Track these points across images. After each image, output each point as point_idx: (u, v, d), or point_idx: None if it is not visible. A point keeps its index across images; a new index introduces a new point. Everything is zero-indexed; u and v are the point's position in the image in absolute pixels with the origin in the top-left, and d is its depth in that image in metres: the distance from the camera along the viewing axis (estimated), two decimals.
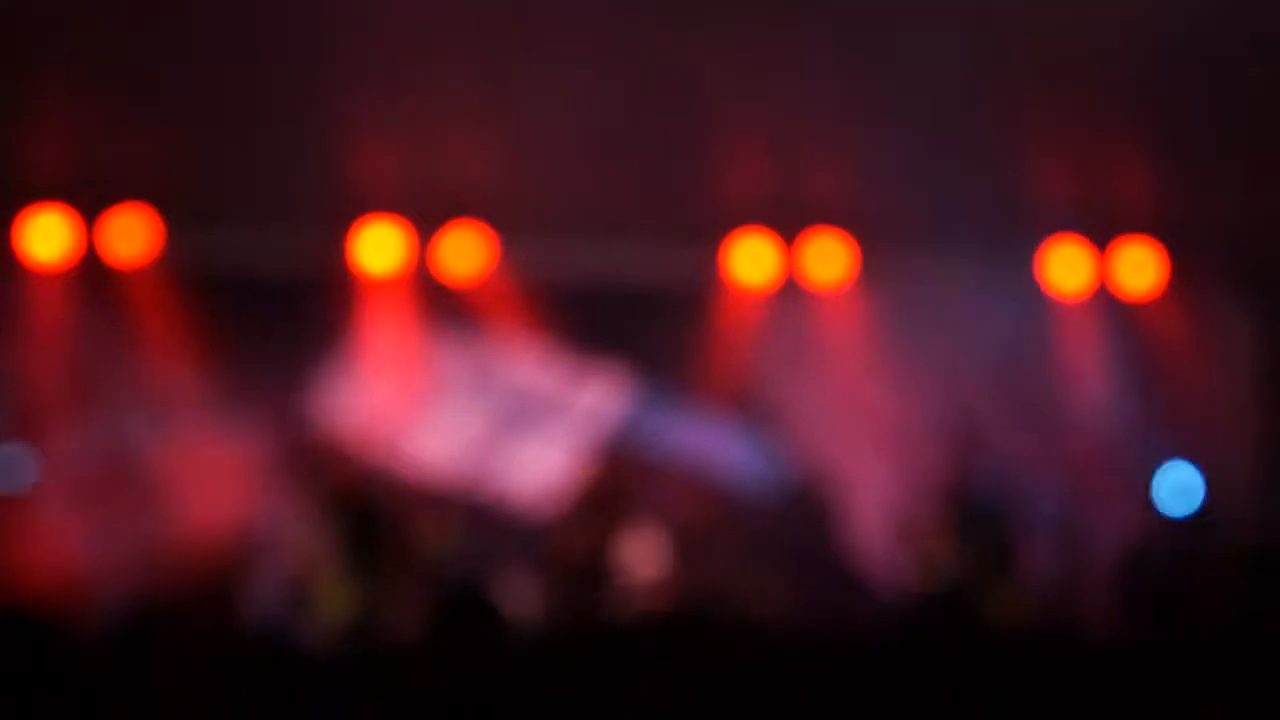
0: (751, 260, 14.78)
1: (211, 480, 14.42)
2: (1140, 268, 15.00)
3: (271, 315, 14.37)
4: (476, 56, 11.48)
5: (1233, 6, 10.68)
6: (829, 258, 14.78)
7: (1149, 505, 15.21)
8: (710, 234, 14.76)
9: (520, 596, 12.48)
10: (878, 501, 15.17)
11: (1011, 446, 15.29)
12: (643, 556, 13.47)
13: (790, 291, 15.15)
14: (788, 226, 14.47)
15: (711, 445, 15.09)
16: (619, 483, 14.37)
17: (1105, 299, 15.24)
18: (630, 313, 15.05)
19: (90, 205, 13.78)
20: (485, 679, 2.86)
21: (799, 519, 14.91)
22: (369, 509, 12.31)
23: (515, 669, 2.98)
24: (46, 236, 13.92)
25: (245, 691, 4.50)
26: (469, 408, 15.00)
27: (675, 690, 3.85)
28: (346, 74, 11.74)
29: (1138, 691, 3.99)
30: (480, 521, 13.89)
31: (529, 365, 15.07)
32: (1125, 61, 11.49)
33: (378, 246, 14.33)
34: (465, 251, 14.45)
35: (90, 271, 14.11)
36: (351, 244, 14.33)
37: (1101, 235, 14.74)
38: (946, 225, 14.39)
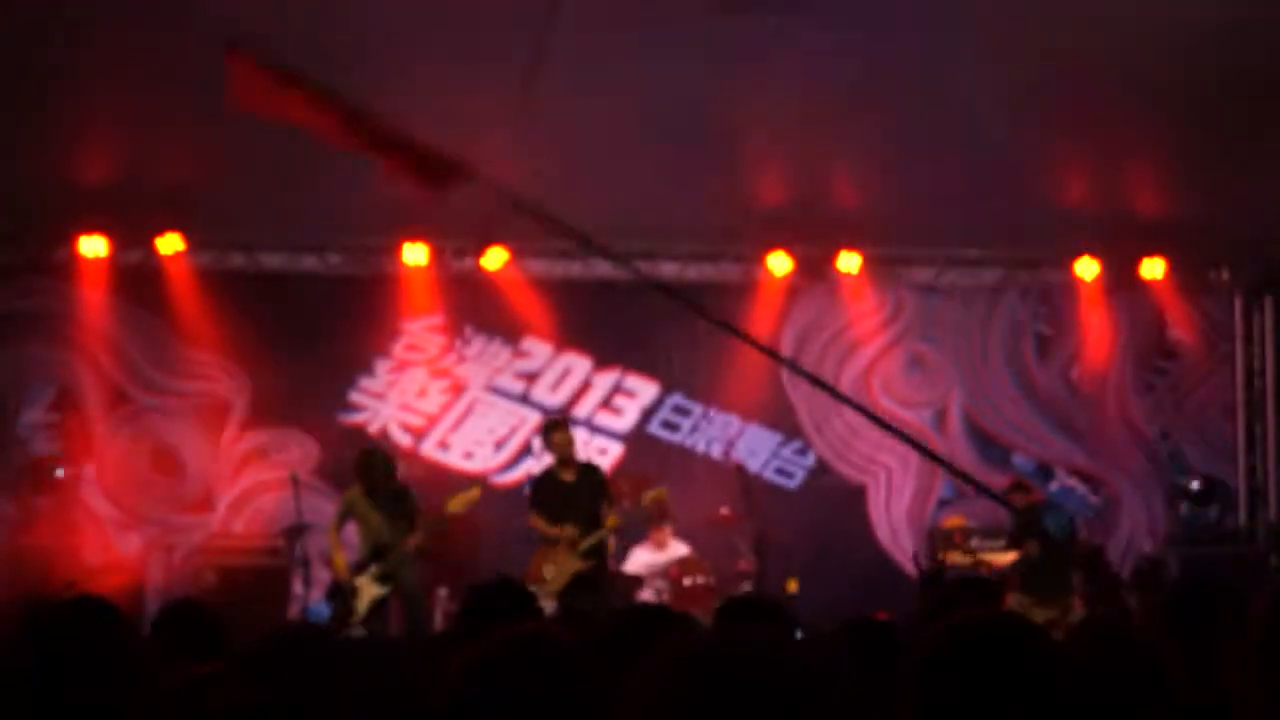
0: (777, 267, 14.97)
1: (256, 476, 14.65)
2: (1154, 272, 15.11)
3: (313, 321, 14.60)
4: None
5: (1235, 38, 10.85)
6: (853, 266, 14.96)
7: (1169, 500, 15.28)
8: (740, 243, 15.00)
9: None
10: (899, 493, 15.31)
11: (1036, 445, 15.44)
12: (668, 543, 13.63)
13: (816, 294, 15.33)
14: (812, 236, 14.60)
15: (737, 438, 15.24)
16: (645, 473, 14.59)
17: (1122, 301, 15.35)
18: (658, 313, 15.18)
19: (137, 222, 14.03)
20: (511, 665, 2.98)
21: (823, 508, 15.04)
22: (403, 500, 12.29)
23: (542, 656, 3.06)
24: (98, 249, 14.18)
25: (289, 679, 4.64)
26: (503, 405, 15.15)
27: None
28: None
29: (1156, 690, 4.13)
30: (510, 507, 14.03)
31: (560, 364, 15.22)
32: (1140, 79, 11.66)
33: (413, 258, 14.59)
34: (495, 260, 14.69)
35: (140, 280, 14.40)
36: (390, 256, 14.62)
37: (1119, 247, 14.87)
38: (969, 236, 14.56)
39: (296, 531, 12.92)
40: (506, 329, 15.12)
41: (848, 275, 15.14)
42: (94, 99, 12.10)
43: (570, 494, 12.47)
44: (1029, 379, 15.50)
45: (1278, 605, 2.85)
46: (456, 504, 12.47)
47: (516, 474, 15.01)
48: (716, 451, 15.18)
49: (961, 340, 15.50)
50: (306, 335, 14.57)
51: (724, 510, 14.02)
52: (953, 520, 14.77)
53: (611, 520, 12.50)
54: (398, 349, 15.00)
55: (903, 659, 2.90)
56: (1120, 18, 10.94)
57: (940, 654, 2.84)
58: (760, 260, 15.05)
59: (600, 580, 12.46)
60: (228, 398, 14.63)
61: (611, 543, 12.85)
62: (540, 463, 14.82)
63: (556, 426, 12.92)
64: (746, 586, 13.09)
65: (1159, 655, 4.09)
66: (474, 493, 12.65)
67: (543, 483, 12.85)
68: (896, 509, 15.34)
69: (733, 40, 11.40)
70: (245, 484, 14.67)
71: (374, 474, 12.33)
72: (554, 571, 12.31)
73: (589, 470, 12.83)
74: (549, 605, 11.97)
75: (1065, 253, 15.01)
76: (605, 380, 15.25)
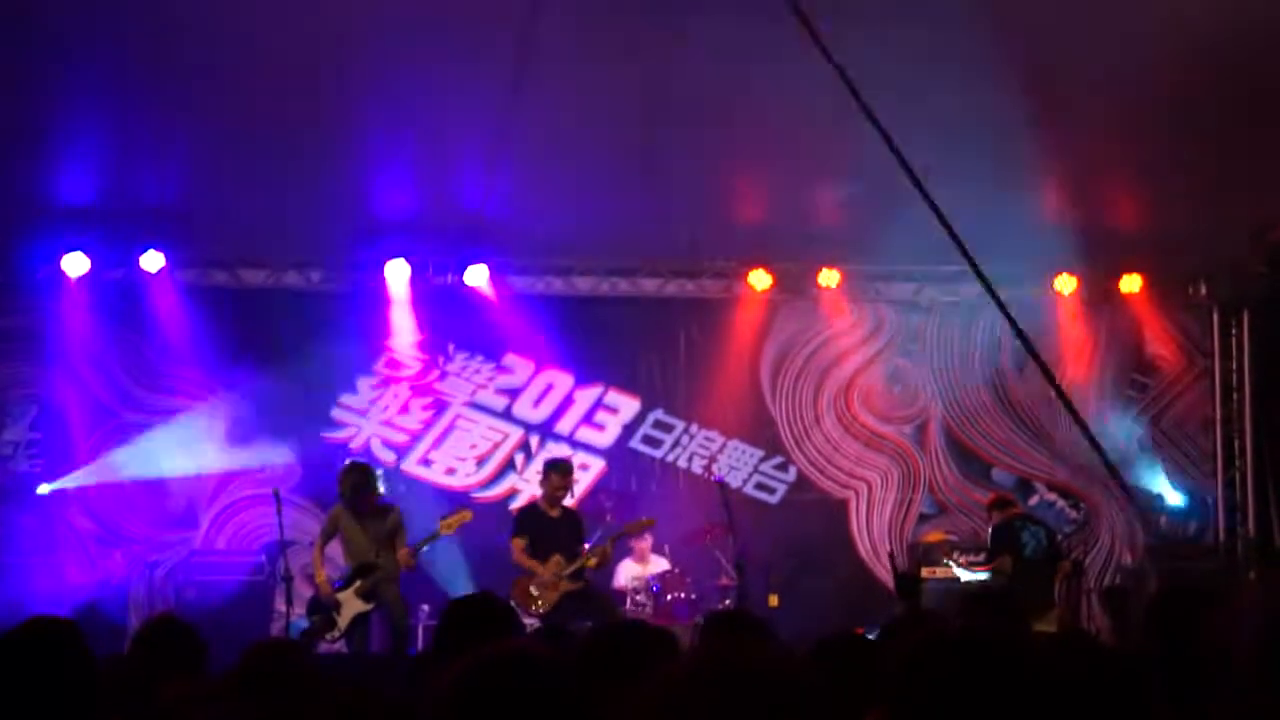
0: (758, 283, 15.04)
1: (238, 493, 14.66)
2: (1132, 288, 15.17)
3: (295, 338, 14.63)
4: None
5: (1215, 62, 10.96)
6: (833, 282, 15.02)
7: (1144, 512, 15.33)
8: (720, 260, 15.05)
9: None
10: (880, 508, 15.36)
11: (1016, 460, 15.50)
12: (649, 557, 13.69)
13: (797, 309, 15.40)
14: (792, 252, 14.67)
15: (718, 453, 15.29)
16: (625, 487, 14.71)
17: (1101, 316, 15.41)
18: (639, 329, 15.31)
19: (119, 239, 14.05)
20: (497, 682, 3.00)
21: (804, 523, 15.06)
22: (387, 516, 12.27)
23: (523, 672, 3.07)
24: (81, 266, 14.19)
25: (271, 696, 4.65)
26: (485, 421, 15.19)
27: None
28: (367, 111, 12.07)
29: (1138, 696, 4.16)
30: (491, 523, 14.08)
31: (541, 381, 15.26)
32: (1118, 97, 11.77)
33: (395, 275, 14.64)
34: (477, 277, 14.74)
35: (122, 297, 14.44)
36: (372, 272, 14.66)
37: (1097, 262, 14.94)
38: (948, 253, 14.58)
39: (279, 548, 12.91)
40: (488, 346, 15.15)
41: (828, 291, 15.20)
42: (76, 117, 12.14)
43: (554, 528, 12.60)
44: (1008, 394, 15.56)
45: (1268, 635, 2.88)
46: (447, 525, 12.48)
47: (498, 490, 15.06)
48: (698, 467, 15.23)
49: (941, 355, 15.57)
50: (289, 352, 14.59)
51: (705, 525, 14.04)
52: (933, 535, 14.83)
53: (593, 562, 12.63)
54: (380, 366, 15.04)
55: (882, 666, 2.94)
56: (1101, 39, 11.05)
57: (918, 662, 2.88)
58: (741, 276, 15.11)
59: (589, 595, 12.55)
60: (210, 414, 14.66)
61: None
62: (522, 478, 14.96)
63: (559, 469, 12.97)
64: (728, 602, 13.11)
65: (1137, 669, 4.14)
66: (465, 514, 12.67)
67: (528, 514, 12.96)
68: (877, 524, 15.38)
69: (712, 60, 11.49)
70: (227, 501, 14.68)
71: (358, 489, 12.31)
72: (541, 593, 12.38)
73: (571, 513, 12.96)
74: (535, 624, 12.05)
75: (1044, 268, 15.06)
76: (587, 396, 15.29)
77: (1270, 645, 2.98)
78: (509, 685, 2.88)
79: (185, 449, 14.56)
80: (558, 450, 15.02)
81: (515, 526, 12.91)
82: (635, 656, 4.10)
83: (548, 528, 12.59)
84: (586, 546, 12.72)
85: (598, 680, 3.29)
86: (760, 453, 15.38)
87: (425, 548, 12.43)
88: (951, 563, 13.56)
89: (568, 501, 13.12)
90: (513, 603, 12.34)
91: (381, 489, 12.76)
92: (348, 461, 13.05)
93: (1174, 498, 15.36)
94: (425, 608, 13.43)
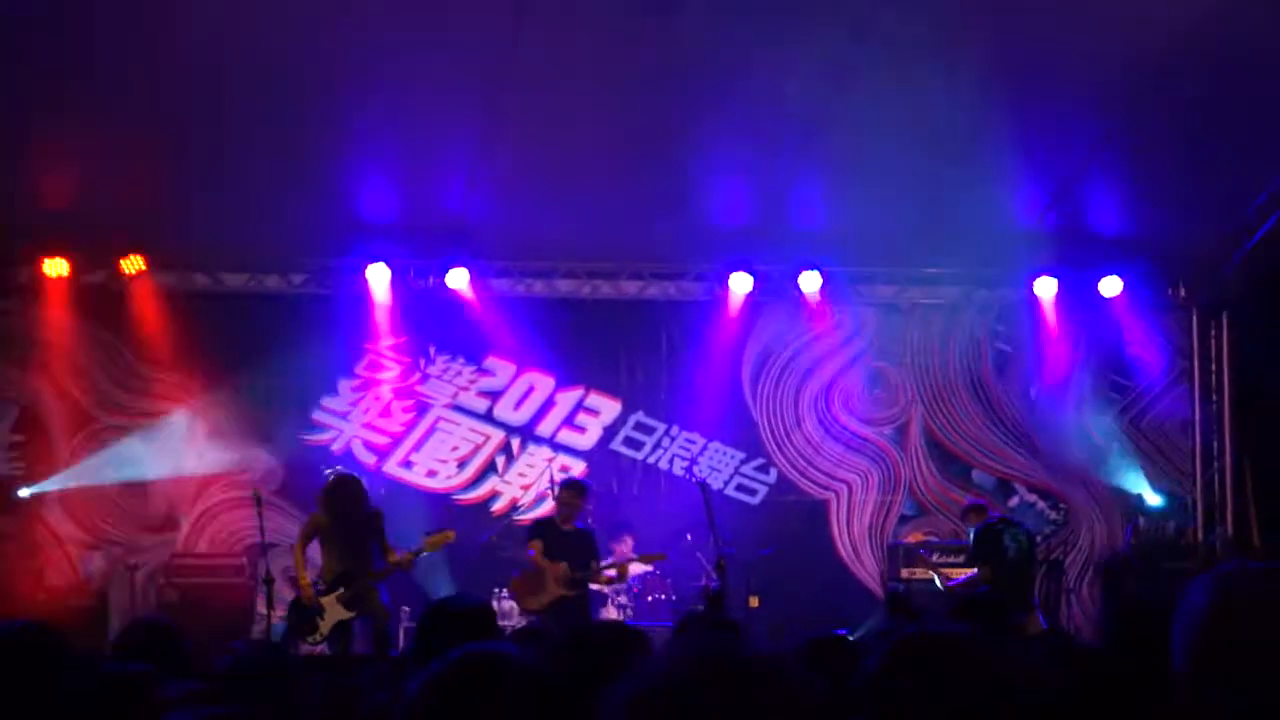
0: (739, 285, 15.04)
1: (219, 495, 14.66)
2: (1112, 290, 15.18)
3: (276, 341, 14.61)
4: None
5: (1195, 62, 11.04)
6: (814, 284, 15.03)
7: (1126, 512, 15.38)
8: (701, 262, 15.08)
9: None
10: (860, 510, 15.40)
11: (996, 461, 15.54)
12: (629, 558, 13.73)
13: (778, 312, 15.42)
14: (773, 254, 14.69)
15: (699, 455, 15.32)
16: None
17: (1081, 318, 15.43)
18: (621, 332, 15.34)
19: (99, 243, 14.03)
20: (469, 686, 3.00)
21: (785, 525, 15.07)
22: (371, 523, 12.23)
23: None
24: (61, 270, 14.16)
25: (252, 699, 4.66)
26: (466, 423, 15.21)
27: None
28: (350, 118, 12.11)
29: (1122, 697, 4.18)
30: (472, 525, 14.12)
31: (522, 383, 15.28)
32: (1098, 101, 11.84)
33: (375, 278, 14.63)
34: (458, 280, 14.73)
35: (102, 300, 14.43)
36: (352, 276, 14.63)
37: (1077, 264, 14.99)
38: (929, 254, 14.68)
39: (260, 550, 12.89)
40: (469, 348, 15.16)
41: (809, 293, 15.20)
42: (56, 122, 12.13)
43: (565, 541, 12.60)
44: (989, 395, 15.61)
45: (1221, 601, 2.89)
46: (431, 544, 12.47)
47: (479, 492, 15.08)
48: (679, 469, 15.25)
49: (922, 357, 15.62)
50: (270, 355, 14.58)
51: (686, 528, 14.06)
52: (913, 536, 14.86)
53: (611, 573, 12.74)
54: (361, 368, 15.04)
55: (857, 673, 2.96)
56: (1082, 46, 11.11)
57: (890, 669, 2.90)
58: (722, 278, 15.13)
59: (584, 605, 12.62)
60: (191, 417, 14.63)
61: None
62: (503, 480, 15.00)
63: (571, 487, 12.98)
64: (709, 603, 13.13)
65: (1115, 669, 4.16)
66: (448, 535, 12.65)
67: (542, 525, 12.95)
68: (858, 525, 15.42)
69: (695, 61, 11.53)
70: (208, 503, 14.68)
71: (343, 502, 12.24)
72: (540, 591, 12.43)
73: (584, 531, 12.92)
74: (526, 620, 12.15)
75: (1024, 270, 15.08)
76: (568, 399, 15.30)
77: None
78: (480, 687, 2.89)
79: (166, 452, 14.55)
80: (539, 452, 15.09)
81: (528, 533, 12.95)
82: (610, 657, 4.12)
83: (559, 540, 12.59)
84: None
85: (572, 681, 3.28)
86: (741, 455, 15.40)
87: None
88: (932, 571, 13.60)
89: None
90: (508, 593, 12.56)
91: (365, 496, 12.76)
92: (334, 476, 13.01)
93: (1153, 498, 15.40)
94: (406, 610, 13.44)
